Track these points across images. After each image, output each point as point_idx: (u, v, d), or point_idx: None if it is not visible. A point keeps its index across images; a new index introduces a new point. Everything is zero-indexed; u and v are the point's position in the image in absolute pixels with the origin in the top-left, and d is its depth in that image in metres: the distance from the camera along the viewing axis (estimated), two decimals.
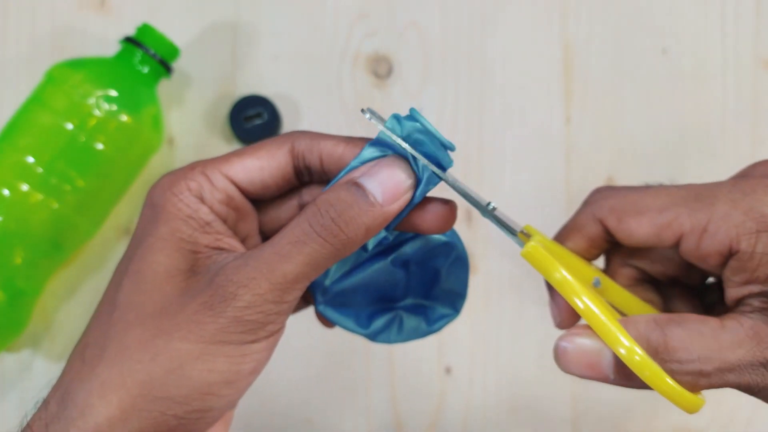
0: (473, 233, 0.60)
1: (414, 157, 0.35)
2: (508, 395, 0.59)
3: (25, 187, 0.53)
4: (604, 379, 0.36)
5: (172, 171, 0.37)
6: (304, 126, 0.61)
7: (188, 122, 0.61)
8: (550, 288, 0.40)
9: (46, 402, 0.34)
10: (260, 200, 0.38)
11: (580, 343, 0.36)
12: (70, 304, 0.59)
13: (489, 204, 0.38)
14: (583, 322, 0.36)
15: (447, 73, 0.62)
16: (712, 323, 0.35)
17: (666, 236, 0.38)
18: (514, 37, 0.62)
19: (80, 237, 0.56)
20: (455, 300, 0.42)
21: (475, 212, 0.61)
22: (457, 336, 0.59)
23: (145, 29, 0.57)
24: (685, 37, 0.63)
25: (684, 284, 0.42)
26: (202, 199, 0.36)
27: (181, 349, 0.33)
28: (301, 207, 0.39)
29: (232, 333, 0.33)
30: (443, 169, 0.36)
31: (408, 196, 0.35)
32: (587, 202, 0.41)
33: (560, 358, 0.36)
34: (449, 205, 0.38)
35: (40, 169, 0.53)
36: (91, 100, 0.54)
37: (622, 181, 0.61)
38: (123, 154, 0.55)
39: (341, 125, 0.61)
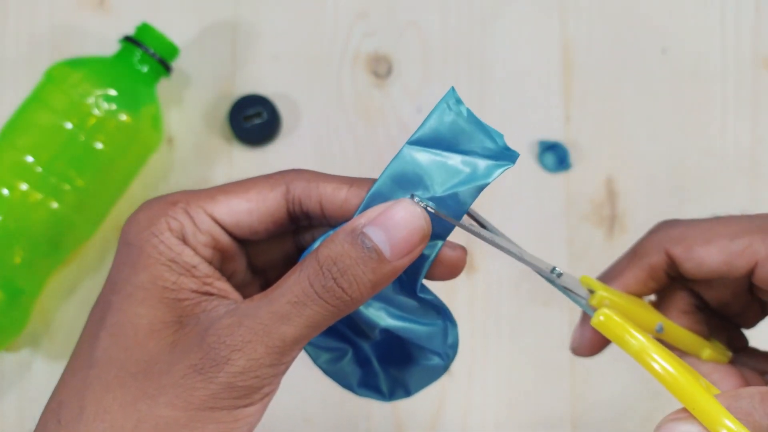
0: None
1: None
2: (507, 395, 0.59)
3: (24, 187, 0.53)
4: None
5: (149, 203, 0.33)
6: (304, 125, 0.61)
7: (188, 122, 0.61)
8: (585, 314, 0.39)
9: None
10: (246, 242, 0.35)
11: (684, 430, 0.30)
12: (69, 303, 0.59)
13: (554, 269, 0.35)
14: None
15: (447, 72, 0.62)
16: None
17: (738, 264, 0.36)
18: (513, 36, 0.62)
19: (79, 236, 0.56)
20: (397, 389, 0.37)
21: (476, 210, 0.61)
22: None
23: (144, 28, 0.57)
24: (684, 37, 0.63)
25: (723, 316, 0.40)
26: (184, 240, 0.32)
27: (167, 416, 0.30)
28: (297, 244, 0.36)
29: (224, 399, 0.30)
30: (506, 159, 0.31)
31: (421, 248, 0.31)
32: (652, 231, 0.39)
33: None
34: (458, 253, 0.34)
35: (39, 169, 0.53)
36: (91, 100, 0.54)
37: (621, 179, 0.61)
38: (122, 154, 0.55)
39: (341, 125, 0.61)
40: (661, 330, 0.38)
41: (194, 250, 0.32)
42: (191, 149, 0.61)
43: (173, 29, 0.59)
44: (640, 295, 0.40)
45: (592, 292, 0.38)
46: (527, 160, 0.61)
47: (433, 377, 0.37)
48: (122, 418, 0.30)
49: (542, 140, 0.61)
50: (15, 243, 0.53)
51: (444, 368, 0.37)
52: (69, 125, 0.53)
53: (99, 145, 0.54)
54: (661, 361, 0.31)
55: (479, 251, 0.60)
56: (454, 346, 0.36)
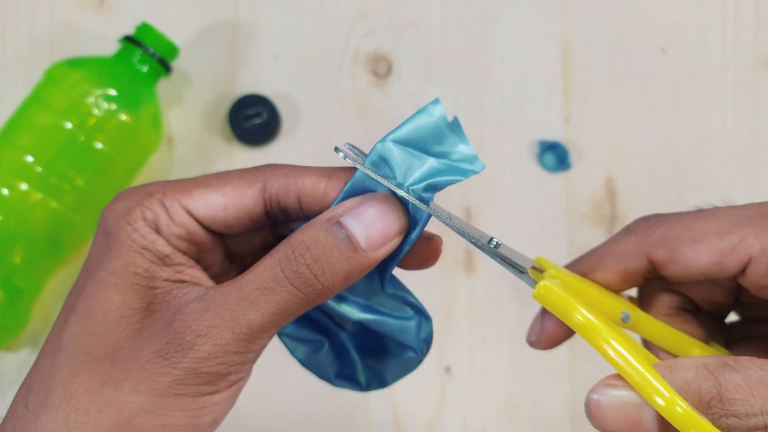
0: None
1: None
2: (507, 394, 0.59)
3: (24, 187, 0.53)
4: None
5: (128, 191, 0.33)
6: (303, 125, 0.61)
7: (187, 121, 0.61)
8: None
9: None
10: (223, 235, 0.35)
11: (615, 395, 0.30)
12: None
13: (491, 240, 0.33)
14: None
15: (446, 72, 0.62)
16: None
17: (730, 263, 0.33)
18: (513, 35, 0.62)
19: (79, 236, 0.56)
20: (373, 380, 0.38)
21: (475, 209, 0.61)
22: (456, 336, 0.59)
23: (144, 28, 0.57)
24: (684, 37, 0.63)
25: (721, 316, 0.38)
26: (158, 231, 0.32)
27: (132, 401, 0.30)
28: (275, 234, 0.36)
29: (188, 385, 0.30)
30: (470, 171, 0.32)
31: (397, 241, 0.31)
32: (629, 231, 0.36)
33: (593, 413, 0.30)
34: (432, 242, 0.34)
35: (39, 168, 0.53)
36: (91, 99, 0.54)
37: (621, 179, 0.61)
38: (122, 154, 0.55)
39: (340, 124, 0.61)
40: (627, 319, 0.36)
41: (167, 241, 0.32)
42: (191, 149, 0.61)
43: (173, 29, 0.59)
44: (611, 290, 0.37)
45: (541, 271, 0.35)
46: (527, 160, 0.61)
47: (408, 369, 0.37)
48: (87, 403, 0.30)
49: (542, 140, 0.61)
50: (15, 243, 0.53)
51: (418, 361, 0.37)
52: (69, 125, 0.53)
53: (99, 145, 0.54)
54: (605, 332, 0.30)
55: (479, 251, 0.60)
56: (428, 341, 0.36)
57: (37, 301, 0.57)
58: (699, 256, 0.33)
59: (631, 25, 0.63)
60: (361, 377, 0.38)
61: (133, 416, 0.30)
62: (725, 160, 0.62)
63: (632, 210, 0.61)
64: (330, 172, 0.33)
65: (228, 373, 0.30)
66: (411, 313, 0.35)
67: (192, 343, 0.30)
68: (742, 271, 0.33)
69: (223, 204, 0.33)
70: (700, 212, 0.35)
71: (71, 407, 0.30)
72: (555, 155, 0.61)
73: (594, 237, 0.60)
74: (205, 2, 0.62)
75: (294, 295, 0.30)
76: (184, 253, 0.33)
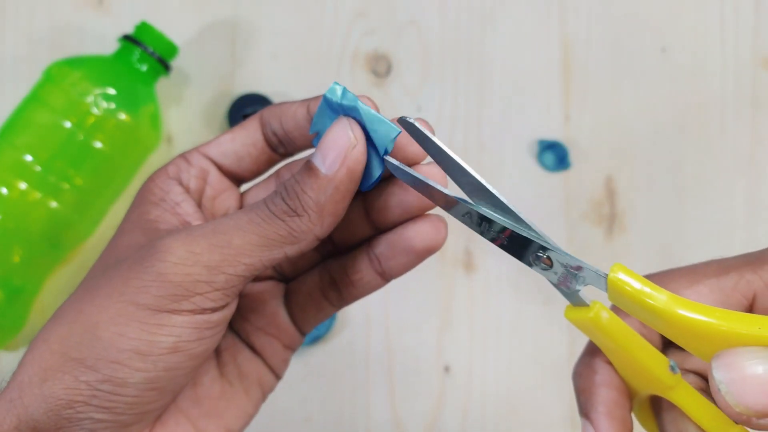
0: (472, 231, 0.60)
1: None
2: (506, 394, 0.59)
3: (23, 186, 0.53)
4: None
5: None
6: None
7: (187, 120, 0.61)
8: (588, 398, 0.32)
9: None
10: (242, 178, 0.37)
11: (751, 370, 0.26)
12: None
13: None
14: None
15: (446, 71, 0.62)
16: None
17: (734, 300, 0.32)
18: (513, 35, 0.62)
19: (78, 235, 0.56)
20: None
21: None
22: (456, 335, 0.59)
23: (143, 27, 0.56)
24: (684, 36, 0.63)
25: None
26: (179, 181, 0.36)
27: (101, 306, 0.31)
28: None
29: (151, 295, 0.30)
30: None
31: (356, 154, 0.32)
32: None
33: (731, 393, 0.27)
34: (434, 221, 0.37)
35: (38, 168, 0.53)
36: (90, 99, 0.54)
37: (620, 178, 0.61)
38: (121, 153, 0.55)
39: None
40: (675, 369, 0.32)
41: (186, 187, 0.36)
42: (190, 148, 0.61)
43: (172, 28, 0.59)
44: None
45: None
46: (527, 160, 0.61)
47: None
48: (69, 311, 0.32)
49: (542, 139, 0.61)
50: (14, 242, 0.53)
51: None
52: (68, 124, 0.53)
53: (98, 144, 0.54)
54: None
55: (479, 250, 0.60)
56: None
57: (37, 300, 0.56)
58: (701, 297, 0.32)
59: (631, 24, 0.63)
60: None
61: (98, 322, 0.31)
62: (724, 160, 0.61)
63: (632, 209, 0.61)
64: (308, 100, 0.36)
65: (192, 292, 0.31)
66: None
67: (168, 246, 0.31)
68: (749, 308, 0.32)
69: (231, 137, 0.37)
70: (691, 265, 0.34)
71: (59, 316, 0.32)
72: (554, 154, 0.61)
73: (593, 236, 0.60)
74: (205, 1, 0.62)
75: (275, 223, 0.32)
76: (199, 197, 0.36)
